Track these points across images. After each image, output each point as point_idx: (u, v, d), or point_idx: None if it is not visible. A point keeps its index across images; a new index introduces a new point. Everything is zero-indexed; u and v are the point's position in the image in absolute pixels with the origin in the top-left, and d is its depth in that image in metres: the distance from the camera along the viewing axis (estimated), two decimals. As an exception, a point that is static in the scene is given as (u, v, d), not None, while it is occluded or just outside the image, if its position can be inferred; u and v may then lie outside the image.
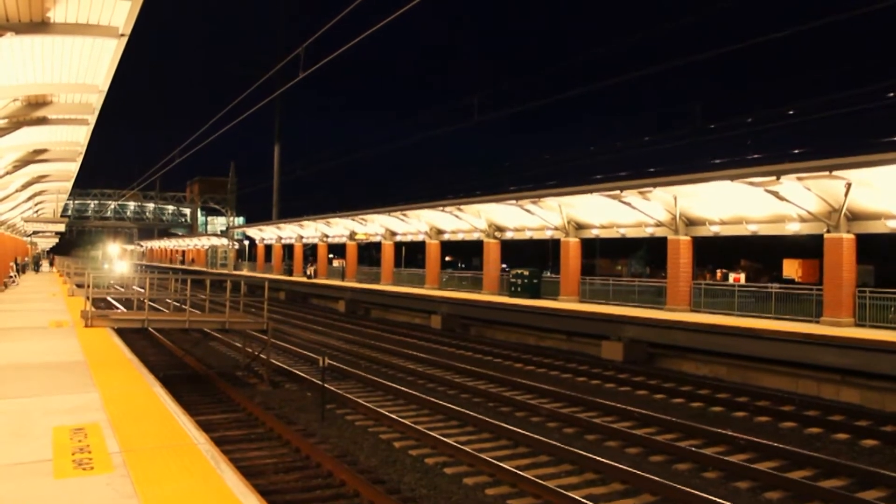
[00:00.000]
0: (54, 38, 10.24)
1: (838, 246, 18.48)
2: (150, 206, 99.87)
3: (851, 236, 18.52)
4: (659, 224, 23.50)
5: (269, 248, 62.08)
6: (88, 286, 17.34)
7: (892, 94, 19.74)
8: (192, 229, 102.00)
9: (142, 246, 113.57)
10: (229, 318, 16.87)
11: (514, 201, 27.33)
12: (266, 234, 59.93)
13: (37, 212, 43.23)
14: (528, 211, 27.53)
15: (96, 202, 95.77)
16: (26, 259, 51.44)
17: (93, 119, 16.15)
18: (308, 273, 51.08)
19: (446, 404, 13.69)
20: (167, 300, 25.92)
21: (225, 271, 65.04)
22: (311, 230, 49.93)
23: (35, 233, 42.76)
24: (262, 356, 17.18)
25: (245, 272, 61.72)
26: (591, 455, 10.28)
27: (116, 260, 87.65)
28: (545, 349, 23.52)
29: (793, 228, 19.88)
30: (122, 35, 10.02)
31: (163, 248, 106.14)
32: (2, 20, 9.12)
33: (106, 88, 13.29)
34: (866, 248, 20.89)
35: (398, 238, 40.22)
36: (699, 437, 11.94)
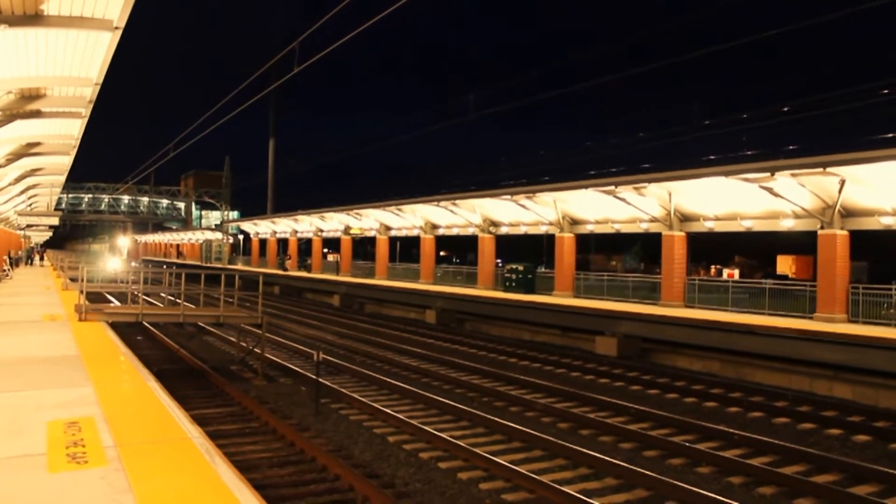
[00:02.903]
0: (48, 31, 10.21)
1: (832, 242, 18.55)
2: (145, 199, 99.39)
3: (845, 233, 18.59)
4: (653, 220, 23.54)
5: (263, 242, 61.97)
6: (83, 280, 17.28)
7: (886, 92, 19.79)
8: (186, 223, 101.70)
9: (136, 240, 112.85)
10: (224, 312, 16.84)
11: (508, 196, 27.33)
12: (261, 228, 59.84)
13: (30, 205, 43.06)
14: (522, 206, 27.54)
15: (90, 196, 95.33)
16: (20, 253, 51.22)
17: (87, 112, 16.10)
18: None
19: (441, 399, 13.71)
20: (161, 294, 25.88)
21: (219, 265, 64.87)
22: (305, 225, 49.87)
23: (29, 226, 42.64)
24: (256, 350, 17.16)
25: (240, 266, 61.61)
26: (585, 450, 10.31)
27: (127, 256, 75.05)
28: (539, 344, 23.55)
29: (787, 225, 19.95)
30: (117, 28, 9.99)
31: (156, 241, 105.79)
32: (-5, 12, 9.07)
33: (100, 81, 13.25)
34: (860, 244, 20.99)
35: (393, 233, 40.20)
36: (693, 433, 11.99)
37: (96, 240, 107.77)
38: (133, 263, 51.45)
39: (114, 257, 60.05)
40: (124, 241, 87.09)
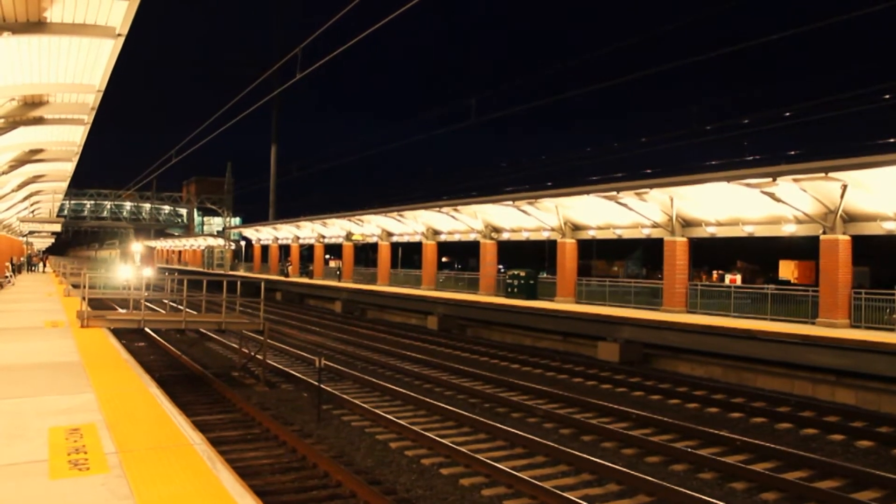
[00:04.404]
0: (51, 38, 10.25)
1: (834, 247, 18.53)
2: (147, 206, 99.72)
3: (847, 238, 18.56)
4: (655, 225, 23.53)
5: (265, 248, 62.03)
6: (85, 287, 17.31)
7: (888, 97, 19.80)
8: (188, 230, 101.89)
9: (151, 247, 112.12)
10: (225, 318, 16.84)
11: (510, 202, 27.34)
12: (263, 234, 59.87)
13: (33, 212, 43.16)
14: (524, 212, 27.55)
15: (92, 202, 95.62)
16: (21, 259, 51.29)
17: (89, 119, 16.15)
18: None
19: (442, 405, 13.68)
20: (164, 300, 25.88)
21: (221, 272, 64.91)
22: (307, 231, 49.89)
23: (31, 233, 42.74)
24: (258, 357, 17.16)
25: (241, 273, 61.65)
26: (587, 456, 10.29)
27: (140, 262, 65.73)
28: (541, 350, 23.52)
29: (789, 230, 19.92)
30: (119, 35, 10.04)
31: (159, 248, 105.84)
32: (-2, 20, 9.12)
33: (103, 88, 13.30)
34: (862, 249, 20.95)
35: (395, 239, 40.21)
36: (695, 438, 11.96)
37: (103, 246, 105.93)
38: (148, 272, 45.85)
39: (126, 265, 54.03)
40: (138, 246, 79.54)
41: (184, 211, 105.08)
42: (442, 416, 13.26)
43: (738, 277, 42.24)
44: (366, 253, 60.44)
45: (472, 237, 33.30)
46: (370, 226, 40.86)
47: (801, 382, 16.80)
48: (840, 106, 21.07)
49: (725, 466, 10.14)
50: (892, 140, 21.01)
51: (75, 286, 29.07)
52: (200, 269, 72.53)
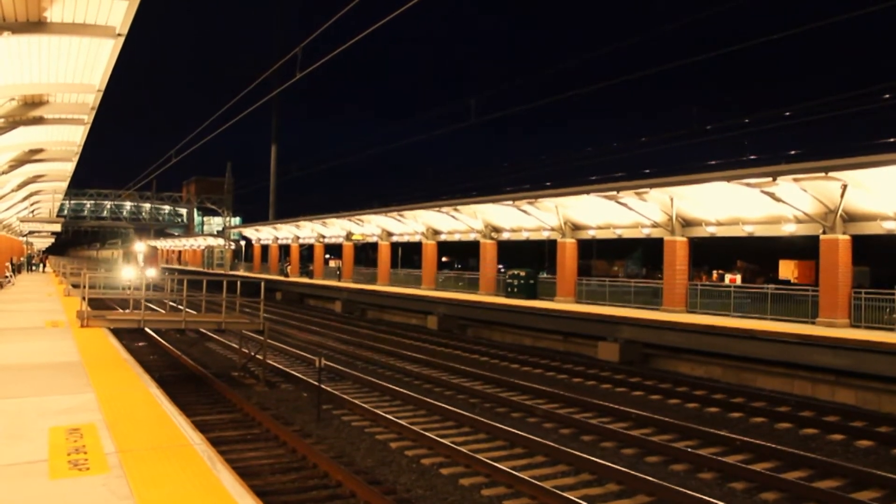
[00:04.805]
0: (51, 38, 10.26)
1: (834, 247, 18.53)
2: (147, 206, 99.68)
3: (847, 237, 18.56)
4: (655, 225, 23.53)
5: (265, 248, 62.02)
6: (84, 286, 17.31)
7: (888, 96, 19.79)
8: (188, 229, 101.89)
9: (155, 247, 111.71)
10: (225, 318, 16.83)
11: (510, 202, 27.34)
12: (263, 234, 59.86)
13: (33, 212, 43.17)
14: (524, 212, 27.55)
15: (92, 202, 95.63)
16: (21, 259, 51.30)
17: (89, 119, 16.16)
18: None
19: (442, 405, 13.69)
20: (164, 300, 25.88)
21: (221, 271, 64.90)
22: (307, 231, 49.89)
23: (31, 233, 42.72)
24: (258, 357, 17.16)
25: (241, 272, 61.64)
26: (586, 456, 10.29)
27: (144, 263, 63.09)
28: (541, 350, 23.52)
29: (789, 229, 19.92)
30: (119, 35, 10.04)
31: (160, 248, 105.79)
32: (-2, 20, 9.12)
33: (103, 88, 13.30)
34: (862, 249, 20.95)
35: (395, 238, 40.21)
36: (695, 438, 11.96)
37: (105, 245, 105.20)
38: (152, 272, 43.85)
39: (129, 266, 51.57)
40: (141, 246, 74.92)
41: (184, 211, 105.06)
42: (442, 416, 13.26)
43: (738, 277, 42.24)
44: (366, 253, 60.47)
45: (472, 237, 33.30)
46: (370, 226, 40.86)
47: (800, 382, 16.81)
48: (840, 106, 21.03)
49: (725, 466, 10.15)
50: (892, 140, 20.99)
51: (75, 286, 29.07)
52: (200, 269, 72.51)
